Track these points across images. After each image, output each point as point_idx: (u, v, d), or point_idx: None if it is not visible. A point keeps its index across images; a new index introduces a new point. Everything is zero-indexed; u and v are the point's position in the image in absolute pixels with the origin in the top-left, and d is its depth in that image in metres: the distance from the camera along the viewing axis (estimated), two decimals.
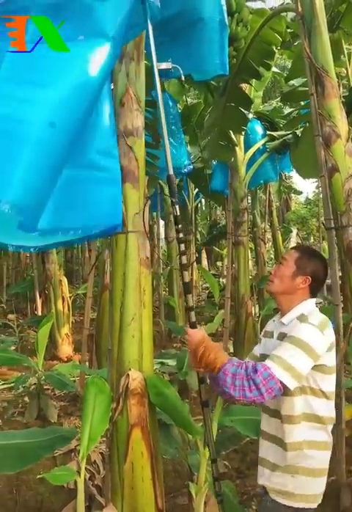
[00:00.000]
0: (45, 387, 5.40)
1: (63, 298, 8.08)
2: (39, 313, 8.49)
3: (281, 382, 1.82)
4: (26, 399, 5.47)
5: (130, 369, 2.60)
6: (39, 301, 8.74)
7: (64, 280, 8.22)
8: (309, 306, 2.08)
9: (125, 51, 2.73)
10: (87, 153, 2.36)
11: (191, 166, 6.49)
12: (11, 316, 10.78)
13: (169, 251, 10.15)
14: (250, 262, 9.75)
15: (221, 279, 13.01)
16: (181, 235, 2.24)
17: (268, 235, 11.51)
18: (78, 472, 2.49)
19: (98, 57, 2.06)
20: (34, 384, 5.34)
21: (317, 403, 1.98)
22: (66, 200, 2.23)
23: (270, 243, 13.66)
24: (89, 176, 2.39)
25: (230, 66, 3.84)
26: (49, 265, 7.94)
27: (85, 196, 2.37)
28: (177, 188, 2.72)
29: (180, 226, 2.27)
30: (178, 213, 2.24)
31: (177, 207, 2.24)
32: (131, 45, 2.72)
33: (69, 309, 8.19)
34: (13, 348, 7.87)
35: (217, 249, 16.87)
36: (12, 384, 5.51)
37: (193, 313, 2.16)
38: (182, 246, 2.22)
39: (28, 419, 4.98)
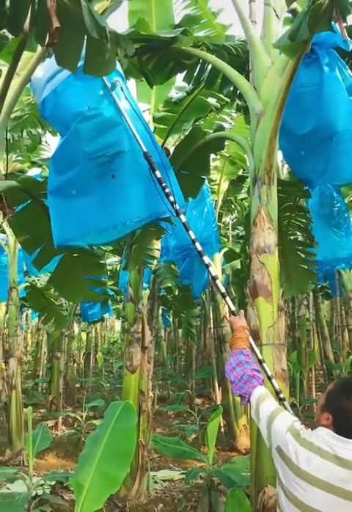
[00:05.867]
0: (217, 482, 5.44)
1: None
2: (218, 402, 8.57)
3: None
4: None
5: (267, 485, 2.60)
6: (217, 390, 8.88)
7: None
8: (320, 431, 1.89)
9: (257, 176, 2.95)
10: None
11: None
12: (197, 401, 11.19)
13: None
14: None
15: None
16: None
17: None
18: None
19: None
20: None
21: None
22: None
23: None
24: None
25: None
26: (226, 354, 8.17)
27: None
28: None
29: None
30: None
31: None
32: (262, 171, 2.93)
33: None
34: (194, 436, 8.12)
35: None
36: None
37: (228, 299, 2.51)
38: None
39: None
